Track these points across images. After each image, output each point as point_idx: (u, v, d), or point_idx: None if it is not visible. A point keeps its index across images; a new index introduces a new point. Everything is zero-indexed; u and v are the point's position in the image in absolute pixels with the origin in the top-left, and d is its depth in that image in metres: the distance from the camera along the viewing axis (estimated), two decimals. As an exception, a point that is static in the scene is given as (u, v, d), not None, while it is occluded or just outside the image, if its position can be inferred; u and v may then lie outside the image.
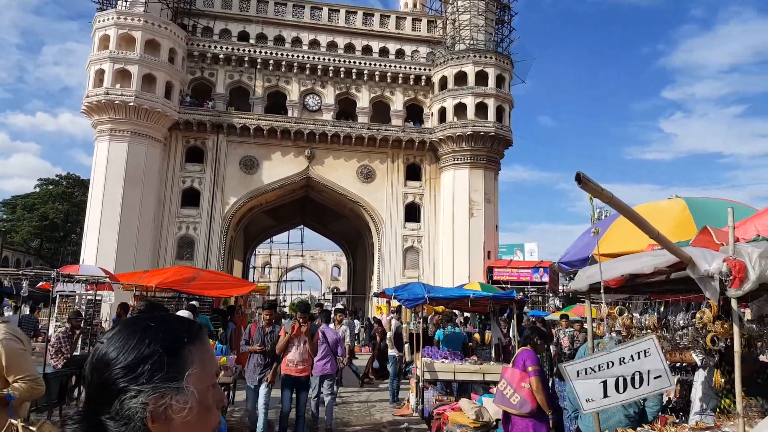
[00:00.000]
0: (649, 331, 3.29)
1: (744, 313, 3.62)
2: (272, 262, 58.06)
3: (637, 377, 2.84)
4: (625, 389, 2.91)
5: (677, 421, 4.02)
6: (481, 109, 30.15)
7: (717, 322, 2.78)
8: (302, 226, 42.00)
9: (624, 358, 2.86)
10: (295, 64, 31.33)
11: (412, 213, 32.21)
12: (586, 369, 2.97)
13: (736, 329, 2.47)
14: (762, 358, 4.14)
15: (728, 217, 2.73)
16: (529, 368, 5.02)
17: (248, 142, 30.40)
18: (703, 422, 3.72)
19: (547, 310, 26.77)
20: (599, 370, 2.90)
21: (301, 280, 50.79)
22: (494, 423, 6.57)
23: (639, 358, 2.83)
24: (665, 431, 3.32)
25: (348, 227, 38.41)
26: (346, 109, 32.42)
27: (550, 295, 31.25)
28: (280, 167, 30.69)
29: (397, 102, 32.48)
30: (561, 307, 29.14)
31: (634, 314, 3.51)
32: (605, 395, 2.77)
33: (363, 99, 32.14)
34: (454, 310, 13.29)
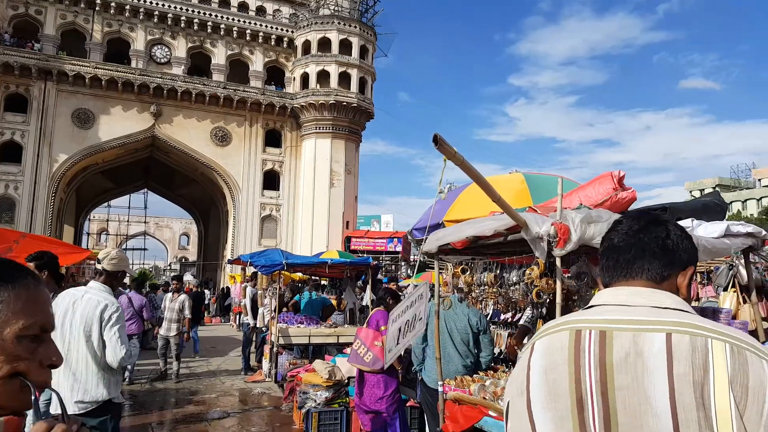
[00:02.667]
0: (487, 287, 3.68)
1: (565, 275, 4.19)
2: (110, 228, 53.14)
3: (411, 321, 3.12)
4: (405, 335, 3.15)
5: (506, 369, 4.55)
6: (344, 79, 30.22)
7: (543, 279, 3.20)
8: (146, 189, 38.86)
9: (413, 302, 3.13)
10: (141, 9, 28.44)
11: (271, 180, 31.54)
12: (398, 314, 3.15)
13: (558, 284, 2.87)
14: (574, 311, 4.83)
15: (558, 187, 3.13)
16: (382, 327, 5.30)
17: (83, 92, 27.12)
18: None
19: (400, 277, 28.19)
20: (402, 314, 3.15)
21: (144, 249, 47.22)
22: (346, 381, 6.84)
23: (416, 302, 3.10)
24: (497, 377, 3.76)
25: (199, 193, 36.38)
26: (199, 64, 30.35)
27: (403, 263, 32.89)
28: (120, 123, 27.92)
29: (257, 62, 31.24)
30: (411, 275, 30.79)
31: (475, 273, 3.89)
32: (397, 342, 2.99)
33: (219, 55, 30.36)
34: (314, 276, 13.44)
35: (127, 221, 41.24)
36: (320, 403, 6.68)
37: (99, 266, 3.76)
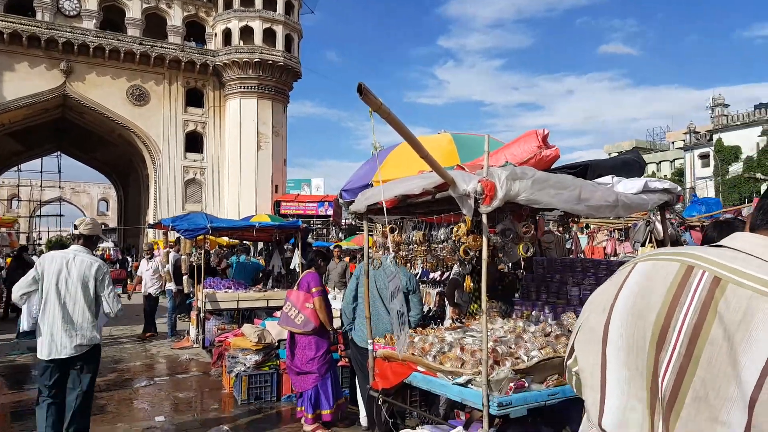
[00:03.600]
0: (415, 246, 3.69)
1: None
2: (21, 194, 49.24)
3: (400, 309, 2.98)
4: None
5: (434, 327, 4.63)
6: (269, 36, 29.05)
7: (470, 236, 3.23)
8: (59, 153, 36.14)
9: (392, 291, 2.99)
10: (45, -47, 25.84)
11: (194, 142, 30.19)
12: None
13: (484, 240, 2.90)
14: (500, 267, 4.97)
15: (484, 144, 3.13)
16: (313, 289, 5.24)
17: (-19, 45, 24.59)
18: (454, 324, 4.37)
19: (330, 240, 28.13)
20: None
21: (60, 215, 44.22)
22: (276, 344, 6.78)
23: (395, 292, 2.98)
24: (426, 333, 3.81)
25: (117, 155, 34.30)
26: (112, 18, 28.13)
27: (334, 227, 32.83)
28: (27, 81, 25.61)
29: (176, 17, 29.33)
30: (342, 238, 30.83)
31: (404, 233, 3.88)
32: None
33: (134, 9, 28.23)
34: (244, 241, 13.10)
35: (41, 186, 38.31)
36: (250, 366, 6.59)
37: (76, 231, 4.43)
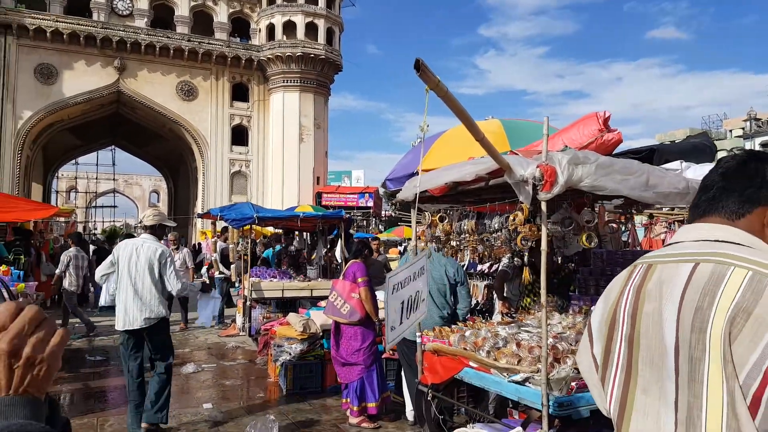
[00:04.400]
0: (467, 235, 3.52)
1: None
2: (79, 186, 51.48)
3: (414, 298, 2.76)
4: (410, 314, 2.73)
5: (483, 321, 4.46)
6: (311, 30, 29.14)
7: (526, 225, 3.04)
8: (113, 147, 37.51)
9: (415, 274, 2.80)
10: (100, -43, 26.68)
11: (240, 135, 30.68)
12: (400, 282, 2.73)
13: (544, 230, 2.71)
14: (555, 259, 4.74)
15: (541, 128, 2.93)
16: (359, 279, 5.16)
17: (44, 47, 25.73)
18: (505, 318, 4.18)
19: (371, 232, 28.15)
20: (405, 285, 2.70)
21: (114, 206, 45.98)
22: (320, 334, 6.74)
23: (418, 276, 2.74)
24: (477, 327, 3.65)
25: (167, 149, 35.25)
26: (162, 16, 28.81)
27: (374, 218, 32.81)
28: (84, 78, 26.57)
29: (221, 14, 29.79)
30: (382, 230, 30.83)
31: (453, 222, 3.72)
32: (401, 321, 2.65)
33: (182, 7, 28.81)
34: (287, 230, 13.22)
35: (96, 179, 39.97)
36: (295, 356, 6.58)
37: (144, 223, 5.24)
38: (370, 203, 29.63)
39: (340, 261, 10.03)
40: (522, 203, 2.84)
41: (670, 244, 1.20)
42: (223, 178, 30.13)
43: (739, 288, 0.96)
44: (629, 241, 7.21)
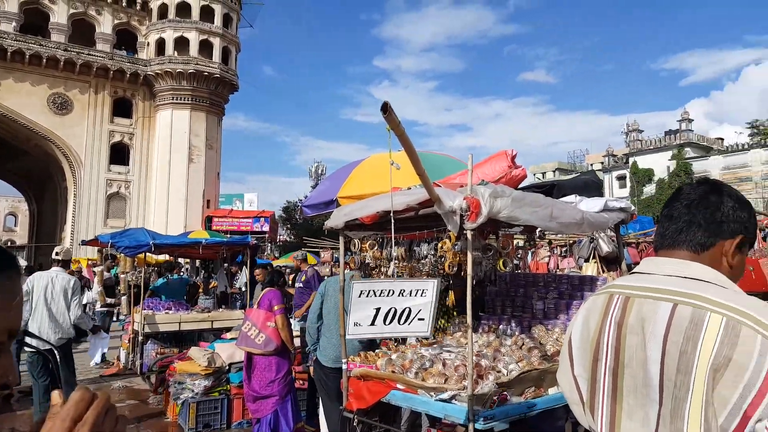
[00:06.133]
0: (398, 261, 3.69)
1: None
2: None
3: (405, 313, 2.87)
4: (390, 322, 2.92)
5: (397, 344, 4.63)
6: (205, 48, 28.36)
7: (451, 251, 3.28)
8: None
9: (404, 291, 2.92)
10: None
11: (120, 154, 28.74)
12: (373, 290, 2.90)
13: (469, 255, 2.95)
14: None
15: (468, 162, 3.21)
16: (275, 307, 5.10)
17: None
18: (424, 341, 4.39)
19: (267, 258, 27.54)
20: (379, 294, 2.87)
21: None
22: (227, 367, 6.51)
23: (414, 296, 2.87)
24: (400, 349, 3.80)
25: (32, 166, 31.97)
26: (35, 22, 26.45)
27: (270, 244, 32.13)
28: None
29: (105, 24, 28.04)
30: (278, 255, 30.29)
31: (384, 248, 3.87)
32: (372, 323, 2.81)
33: (59, 13, 26.72)
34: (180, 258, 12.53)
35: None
36: (199, 392, 6.27)
37: (56, 257, 6.31)
38: (266, 228, 28.99)
39: (244, 290, 9.73)
40: (450, 232, 3.07)
41: (638, 273, 1.30)
42: (98, 199, 27.93)
43: (717, 335, 1.06)
44: (520, 264, 7.83)
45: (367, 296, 2.72)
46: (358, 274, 3.80)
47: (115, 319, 13.27)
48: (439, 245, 3.40)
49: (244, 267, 9.66)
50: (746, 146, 40.90)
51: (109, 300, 9.79)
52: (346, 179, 5.19)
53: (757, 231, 6.52)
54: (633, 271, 1.35)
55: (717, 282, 1.19)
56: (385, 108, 1.93)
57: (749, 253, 5.72)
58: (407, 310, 2.82)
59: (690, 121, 45.24)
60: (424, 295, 2.83)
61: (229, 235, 23.94)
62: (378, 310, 2.80)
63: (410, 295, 2.83)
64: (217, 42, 28.54)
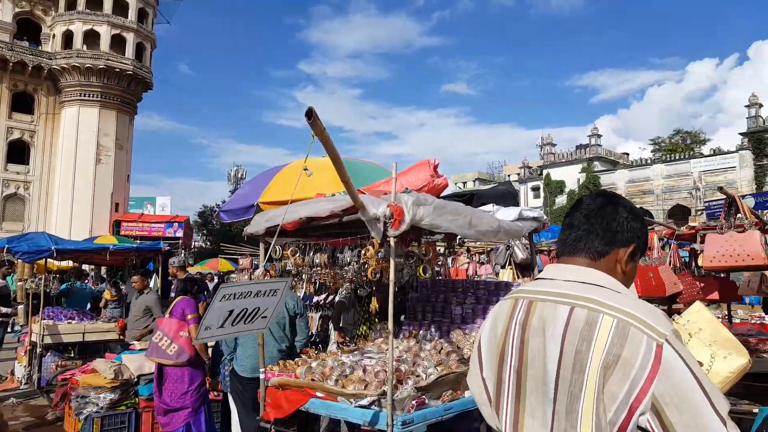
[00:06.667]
0: (320, 269, 3.65)
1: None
2: None
3: (253, 313, 2.80)
4: (238, 323, 2.79)
5: (317, 351, 4.59)
6: (118, 43, 26.86)
7: (375, 258, 3.30)
8: None
9: (260, 292, 2.82)
10: None
11: (19, 152, 26.53)
12: (234, 294, 2.71)
13: (392, 262, 2.98)
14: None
15: (392, 170, 3.24)
16: (189, 316, 4.89)
17: None
18: (344, 347, 4.38)
19: (181, 264, 26.33)
20: (237, 297, 2.74)
21: None
22: (136, 379, 6.16)
23: (266, 295, 2.79)
24: (322, 357, 3.76)
25: None
26: None
27: (184, 250, 30.81)
28: None
29: (5, 12, 25.86)
30: (192, 263, 29.11)
31: (307, 255, 3.82)
32: (222, 325, 2.69)
33: (-52, -4, 24.36)
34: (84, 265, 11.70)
35: None
36: (104, 406, 5.88)
37: None
38: (180, 233, 27.75)
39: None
40: (374, 239, 3.09)
41: (542, 278, 1.39)
42: (-7, 201, 25.62)
43: (608, 335, 1.15)
44: (441, 270, 8.01)
45: (227, 299, 2.66)
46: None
47: (9, 329, 12.19)
48: (362, 252, 3.41)
49: (155, 275, 9.18)
50: (649, 161, 44.37)
51: (4, 310, 8.94)
52: (268, 184, 5.09)
53: (657, 240, 7.09)
54: (537, 276, 1.43)
55: (611, 287, 1.28)
56: (310, 114, 1.92)
57: (650, 260, 6.19)
58: (256, 309, 2.79)
59: (599, 136, 48.42)
60: (274, 294, 2.79)
61: (139, 241, 22.74)
62: (231, 312, 2.73)
63: (263, 295, 2.80)
64: (130, 37, 27.11)
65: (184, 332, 4.87)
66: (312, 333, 5.82)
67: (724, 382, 1.67)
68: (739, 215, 4.77)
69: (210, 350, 5.43)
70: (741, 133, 39.54)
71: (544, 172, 48.81)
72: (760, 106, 38.76)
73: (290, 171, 5.19)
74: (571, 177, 46.58)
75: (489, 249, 8.39)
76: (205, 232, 41.81)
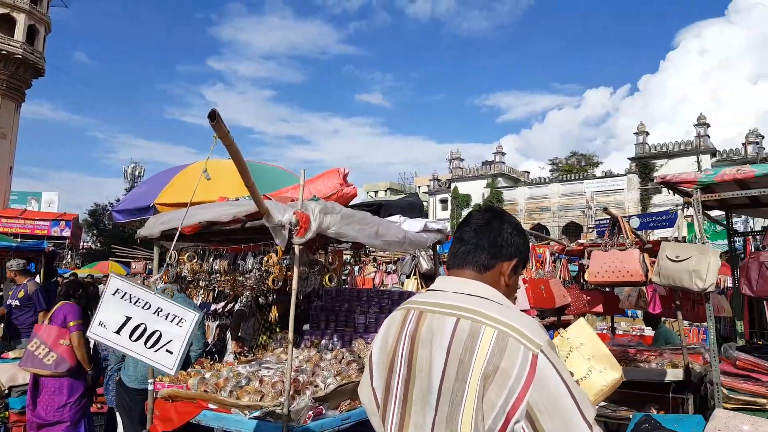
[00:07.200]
0: (219, 275, 3.50)
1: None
2: None
3: (154, 337, 2.57)
4: (137, 340, 2.57)
5: (213, 362, 4.41)
6: (6, 24, 24.50)
7: (277, 266, 3.22)
8: None
9: (161, 310, 2.61)
10: None
11: None
12: (130, 294, 2.56)
13: (296, 270, 2.93)
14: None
15: (300, 178, 3.21)
16: (71, 323, 4.51)
17: None
18: (242, 358, 4.23)
19: (67, 266, 24.31)
20: (137, 303, 2.55)
21: None
22: (6, 391, 5.57)
23: (169, 320, 2.57)
24: (216, 368, 3.60)
25: None
26: None
27: (70, 251, 28.48)
28: None
29: None
30: (80, 264, 26.98)
31: (205, 261, 3.65)
32: (118, 332, 2.48)
33: None
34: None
35: None
36: (-35, 423, 5.27)
37: None
38: (67, 233, 25.56)
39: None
40: (277, 246, 3.02)
41: (433, 290, 1.43)
42: None
43: (489, 346, 1.20)
44: (347, 279, 8.02)
45: (122, 298, 2.48)
46: (171, 288, 3.53)
47: None
48: (265, 259, 3.32)
49: (38, 276, 8.39)
50: (547, 180, 47.30)
51: None
52: (167, 185, 4.83)
53: (549, 255, 7.54)
54: (429, 288, 1.47)
55: (494, 299, 1.34)
56: (213, 116, 1.84)
57: (542, 274, 6.53)
58: (158, 333, 2.50)
59: (503, 154, 50.98)
60: (180, 325, 2.52)
61: (20, 239, 20.71)
62: (128, 319, 2.52)
63: (165, 318, 2.51)
64: (21, 18, 24.80)
65: (64, 340, 4.48)
66: (208, 342, 5.58)
67: (598, 393, 1.81)
68: (621, 235, 5.18)
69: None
70: (630, 158, 43.34)
71: (453, 185, 50.57)
72: (647, 134, 42.76)
73: (192, 172, 4.96)
74: (477, 191, 48.63)
75: (396, 259, 8.53)
76: (95, 232, 39.06)
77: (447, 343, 1.25)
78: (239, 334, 4.91)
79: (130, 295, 2.56)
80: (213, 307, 6.27)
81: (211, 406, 3.31)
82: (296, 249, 2.92)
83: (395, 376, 1.36)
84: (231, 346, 5.12)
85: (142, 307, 2.56)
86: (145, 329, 2.55)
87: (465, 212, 48.24)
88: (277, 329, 4.51)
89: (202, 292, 4.77)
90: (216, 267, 3.55)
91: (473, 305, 1.30)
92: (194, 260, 3.61)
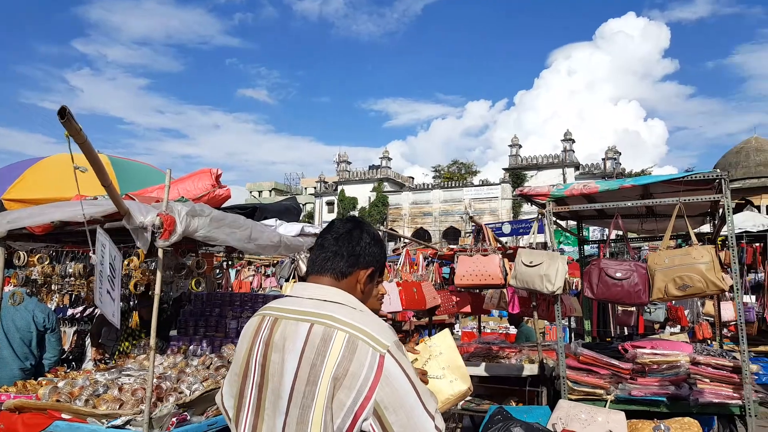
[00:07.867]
0: (74, 279, 3.28)
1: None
2: None
3: None
4: None
5: (69, 370, 4.14)
6: None
7: (139, 270, 3.10)
8: None
9: None
10: None
11: None
12: None
13: (159, 275, 2.85)
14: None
15: (166, 178, 3.12)
16: None
17: None
18: (102, 365, 4.01)
19: None
20: None
21: None
22: None
23: None
24: (71, 376, 3.39)
25: None
26: None
27: None
28: None
29: None
30: None
31: (59, 263, 3.41)
32: None
33: None
34: None
35: None
36: None
37: None
38: None
39: None
40: (139, 249, 2.92)
41: (289, 296, 1.48)
42: None
43: (340, 349, 1.27)
44: (222, 282, 7.81)
45: None
46: (20, 291, 3.26)
47: None
48: (125, 262, 3.19)
49: None
50: (430, 186, 49.24)
51: None
52: (17, 179, 4.42)
53: (422, 259, 7.93)
54: (286, 294, 1.55)
55: (349, 304, 1.41)
56: (63, 113, 1.77)
57: (416, 276, 6.84)
58: None
59: (389, 159, 52.23)
60: None
61: None
62: None
63: None
64: None
65: None
66: (64, 350, 5.18)
67: (446, 402, 1.99)
68: (485, 242, 5.63)
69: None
70: (504, 168, 46.56)
71: (339, 188, 50.90)
72: (520, 146, 46.19)
73: (48, 165, 4.58)
74: (363, 195, 49.41)
75: (275, 262, 8.46)
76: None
77: (300, 347, 1.30)
78: (100, 341, 4.63)
79: None
80: (70, 311, 5.81)
81: (64, 416, 3.12)
82: (160, 252, 2.85)
83: (249, 383, 1.39)
84: (90, 353, 4.80)
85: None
86: None
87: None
88: (142, 335, 4.32)
89: (56, 296, 4.44)
90: (70, 270, 3.34)
91: (327, 310, 1.36)
92: (46, 262, 3.37)
